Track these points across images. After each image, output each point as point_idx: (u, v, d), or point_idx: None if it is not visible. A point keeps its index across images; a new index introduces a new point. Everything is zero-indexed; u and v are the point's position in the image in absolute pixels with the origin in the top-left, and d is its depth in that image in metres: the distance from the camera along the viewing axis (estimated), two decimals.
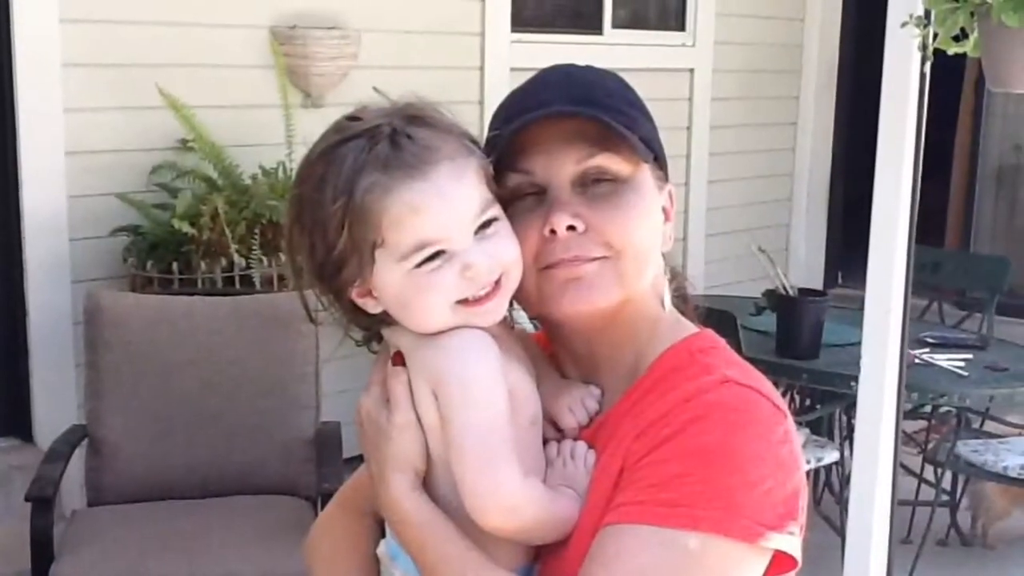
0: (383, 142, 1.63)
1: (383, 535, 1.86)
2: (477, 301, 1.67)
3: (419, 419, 1.70)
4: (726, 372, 1.69)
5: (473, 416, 1.64)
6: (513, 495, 1.64)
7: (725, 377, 1.68)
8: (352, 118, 1.69)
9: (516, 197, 1.74)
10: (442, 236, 1.64)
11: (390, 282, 1.66)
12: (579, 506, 1.69)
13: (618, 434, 1.70)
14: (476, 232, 1.66)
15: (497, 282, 1.68)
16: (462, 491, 1.65)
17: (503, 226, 1.70)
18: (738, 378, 1.69)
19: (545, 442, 1.76)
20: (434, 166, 1.63)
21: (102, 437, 4.86)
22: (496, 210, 1.69)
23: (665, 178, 1.83)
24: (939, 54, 3.35)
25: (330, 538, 2.02)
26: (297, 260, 1.72)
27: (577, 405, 1.78)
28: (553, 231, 1.70)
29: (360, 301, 1.71)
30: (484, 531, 1.66)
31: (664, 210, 1.82)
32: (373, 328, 1.77)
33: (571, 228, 1.70)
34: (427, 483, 1.72)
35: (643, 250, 1.75)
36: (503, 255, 1.68)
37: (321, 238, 1.66)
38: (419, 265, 1.64)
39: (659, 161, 1.81)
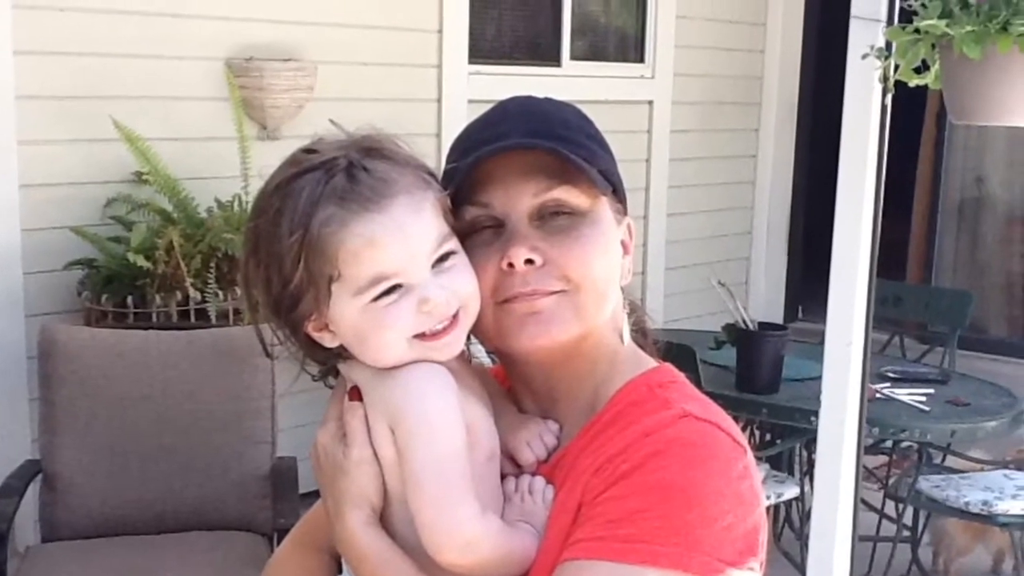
0: (339, 175, 1.62)
1: (339, 571, 1.85)
2: (434, 335, 1.65)
3: (376, 454, 1.68)
4: (685, 407, 1.68)
5: (430, 451, 1.63)
6: (470, 531, 1.62)
7: (684, 412, 1.67)
8: (308, 151, 1.68)
9: (474, 230, 1.73)
10: (399, 270, 1.62)
11: (346, 316, 1.65)
12: (537, 542, 1.67)
13: (576, 469, 1.69)
14: (433, 266, 1.65)
15: (455, 316, 1.67)
16: (419, 526, 1.63)
17: (461, 259, 1.69)
18: (697, 413, 1.67)
19: (503, 477, 1.75)
20: (391, 199, 1.62)
21: (56, 472, 4.81)
22: (453, 243, 1.68)
23: (624, 211, 1.82)
24: (900, 86, 3.36)
25: (286, 574, 2.01)
26: (253, 294, 1.71)
27: (535, 440, 1.77)
28: (511, 264, 1.68)
29: (316, 335, 1.70)
30: (441, 567, 1.64)
31: (623, 243, 1.82)
32: (329, 362, 1.76)
33: (529, 261, 1.69)
34: (384, 519, 1.71)
35: (601, 284, 1.74)
36: (461, 289, 1.67)
37: (277, 271, 1.64)
38: (376, 299, 1.63)
39: (618, 194, 1.80)
